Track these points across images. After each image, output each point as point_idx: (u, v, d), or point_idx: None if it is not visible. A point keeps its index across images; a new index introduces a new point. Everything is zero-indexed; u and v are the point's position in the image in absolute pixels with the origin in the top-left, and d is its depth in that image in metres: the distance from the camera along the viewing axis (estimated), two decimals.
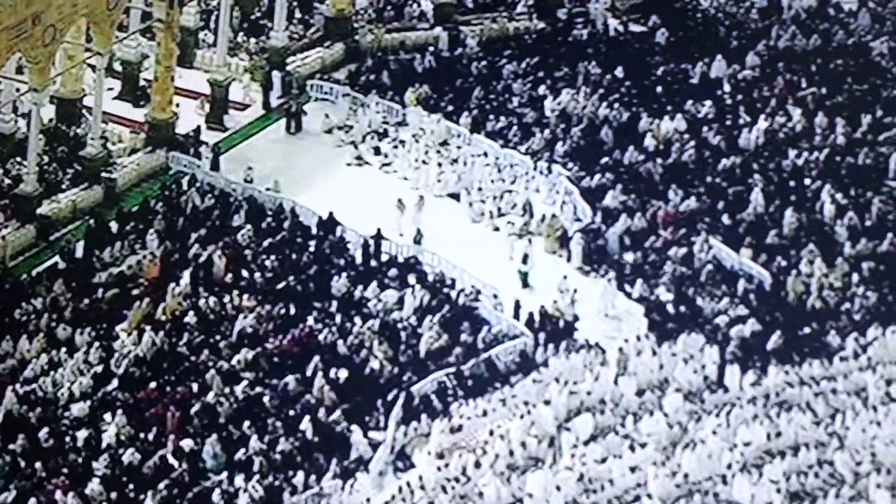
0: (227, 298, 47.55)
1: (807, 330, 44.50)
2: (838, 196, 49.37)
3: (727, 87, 55.85)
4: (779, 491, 38.05)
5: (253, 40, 61.46)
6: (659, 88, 56.38)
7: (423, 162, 54.42)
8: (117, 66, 58.69)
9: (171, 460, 42.13)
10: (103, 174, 54.22)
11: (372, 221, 50.44)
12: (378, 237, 49.72)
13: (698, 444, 39.80)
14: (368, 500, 40.23)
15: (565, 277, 47.64)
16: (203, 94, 58.39)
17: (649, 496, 38.67)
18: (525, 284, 47.52)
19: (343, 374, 44.48)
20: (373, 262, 49.29)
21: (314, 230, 50.87)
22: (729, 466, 39.29)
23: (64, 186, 53.81)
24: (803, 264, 46.86)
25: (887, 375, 41.78)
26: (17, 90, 54.40)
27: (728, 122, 53.89)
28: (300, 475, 41.53)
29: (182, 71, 58.09)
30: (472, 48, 60.37)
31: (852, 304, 45.36)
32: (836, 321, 44.74)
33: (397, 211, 51.32)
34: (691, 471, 39.07)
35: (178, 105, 56.73)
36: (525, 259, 48.14)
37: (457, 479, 40.35)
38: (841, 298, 45.71)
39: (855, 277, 46.21)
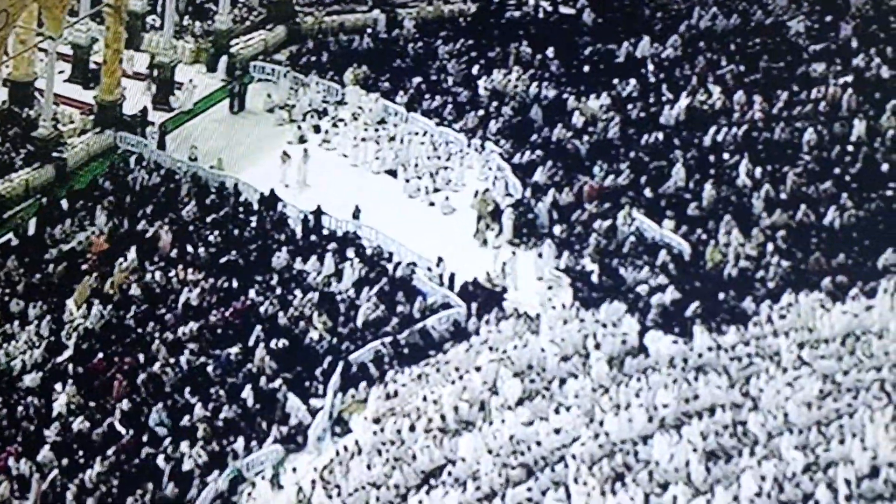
0: (172, 272, 47.57)
1: (723, 297, 44.63)
2: (755, 170, 49.41)
3: (651, 67, 55.89)
4: (695, 450, 38.11)
5: (198, 23, 61.32)
6: (586, 68, 56.44)
7: (362, 139, 54.42)
8: (68, 50, 58.64)
9: (119, 428, 42.24)
10: (54, 154, 54.19)
11: (312, 198, 50.56)
12: (318, 213, 49.81)
13: (620, 406, 39.91)
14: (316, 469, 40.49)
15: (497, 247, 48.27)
16: (149, 75, 58.39)
17: (574, 456, 38.75)
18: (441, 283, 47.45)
19: (283, 344, 44.55)
20: (312, 237, 49.33)
21: (256, 206, 50.86)
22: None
23: (17, 166, 53.74)
24: (721, 235, 46.94)
25: (799, 340, 41.80)
26: None
27: (651, 100, 54.01)
28: (242, 441, 41.67)
29: (130, 53, 57.99)
30: (408, 30, 60.44)
31: (767, 272, 45.45)
32: (752, 289, 44.83)
33: (281, 161, 51.99)
34: (613, 432, 39.23)
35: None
36: (439, 262, 47.91)
37: (392, 443, 40.54)
38: (756, 267, 45.77)
39: (770, 247, 46.24)
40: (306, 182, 51.95)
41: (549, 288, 46.31)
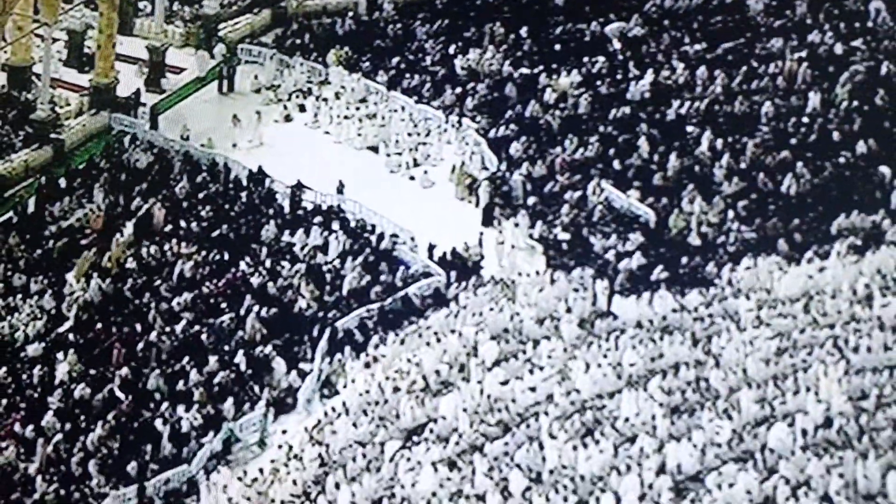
0: (166, 246, 48.24)
1: (687, 261, 45.13)
2: (716, 141, 49.76)
3: (618, 44, 56.00)
4: (661, 405, 38.68)
5: (187, 9, 61.79)
6: (557, 46, 56.60)
7: (345, 117, 54.84)
8: (63, 36, 59.25)
9: (119, 393, 42.95)
10: (52, 135, 54.77)
11: (298, 174, 51.04)
12: (299, 187, 50.24)
13: (591, 365, 40.44)
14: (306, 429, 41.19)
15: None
16: (142, 59, 59.04)
17: (546, 413, 39.26)
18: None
19: (273, 312, 45.18)
20: (299, 211, 49.88)
21: (245, 182, 51.41)
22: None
23: (17, 147, 54.37)
24: (684, 203, 47.31)
25: (758, 300, 42.19)
26: None
27: (618, 77, 54.29)
28: (236, 404, 42.41)
29: (122, 38, 58.49)
30: (388, 12, 60.69)
31: (728, 237, 45.92)
32: (714, 253, 45.31)
33: (232, 125, 53.26)
34: (584, 389, 39.78)
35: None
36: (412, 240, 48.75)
37: (377, 403, 41.07)
38: (718, 233, 46.21)
39: (730, 214, 46.68)
40: (262, 142, 53.18)
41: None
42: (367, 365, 42.57)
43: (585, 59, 55.33)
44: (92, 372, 43.86)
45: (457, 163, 52.00)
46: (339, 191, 50.52)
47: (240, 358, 43.69)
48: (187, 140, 54.24)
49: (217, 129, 55.00)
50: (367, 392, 41.74)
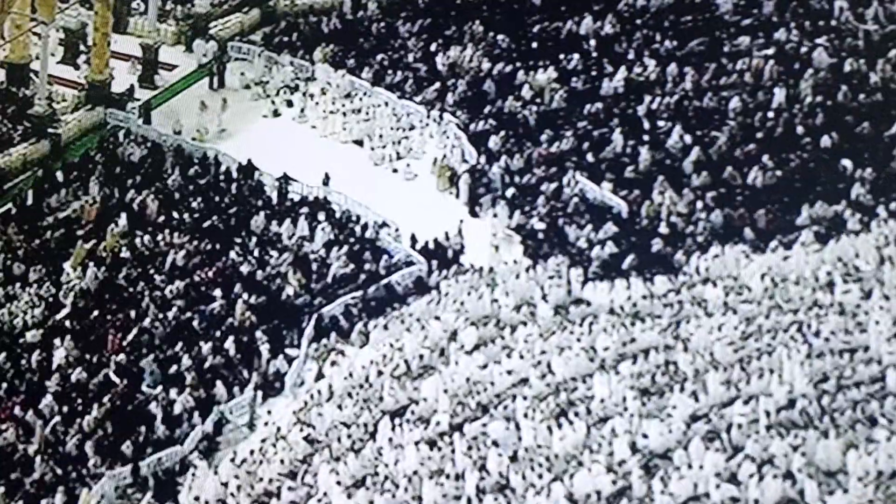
0: (159, 236, 48.45)
1: (657, 250, 45.58)
2: (686, 135, 50.10)
3: (592, 42, 56.15)
4: (632, 388, 39.07)
5: (180, 7, 61.86)
6: (534, 44, 56.66)
7: (331, 112, 55.06)
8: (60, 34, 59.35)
9: (114, 377, 43.18)
10: (49, 130, 54.94)
11: (285, 166, 51.28)
12: (286, 179, 50.55)
13: (565, 350, 40.79)
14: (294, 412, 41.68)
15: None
16: (135, 56, 59.24)
17: (525, 397, 39.63)
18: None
19: (262, 299, 45.51)
20: (287, 202, 50.17)
21: (235, 175, 51.68)
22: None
23: (15, 142, 54.48)
24: (655, 194, 47.65)
25: (725, 287, 42.64)
26: None
27: (593, 73, 54.56)
28: (226, 387, 42.78)
29: (117, 36, 58.60)
30: (372, 11, 60.53)
31: (696, 227, 46.35)
32: (683, 242, 45.70)
33: (199, 111, 53.65)
34: (558, 372, 40.15)
35: None
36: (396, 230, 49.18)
37: (360, 386, 41.40)
38: (687, 223, 46.63)
39: (699, 204, 47.05)
40: (225, 129, 53.67)
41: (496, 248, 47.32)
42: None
43: (561, 57, 55.36)
44: (88, 357, 44.03)
45: (438, 156, 52.29)
46: (325, 183, 50.71)
47: (230, 343, 43.93)
48: (179, 134, 54.37)
49: (208, 123, 54.98)
50: (352, 375, 41.99)
